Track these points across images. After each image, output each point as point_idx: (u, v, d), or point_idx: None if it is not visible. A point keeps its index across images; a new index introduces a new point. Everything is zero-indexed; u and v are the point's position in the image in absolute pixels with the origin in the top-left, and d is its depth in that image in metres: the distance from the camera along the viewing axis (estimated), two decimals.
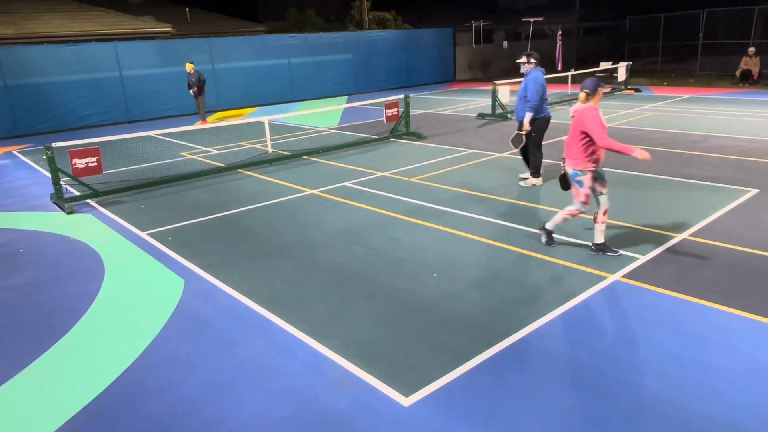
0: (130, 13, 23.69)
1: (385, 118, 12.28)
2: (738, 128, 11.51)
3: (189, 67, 15.24)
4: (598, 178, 5.31)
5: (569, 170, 5.34)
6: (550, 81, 25.91)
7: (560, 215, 5.53)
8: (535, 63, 7.74)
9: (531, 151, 7.89)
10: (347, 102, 20.16)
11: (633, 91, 18.64)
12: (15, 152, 13.29)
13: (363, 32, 24.79)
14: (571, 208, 5.44)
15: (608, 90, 18.96)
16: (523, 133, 7.72)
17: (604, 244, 5.48)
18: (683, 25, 23.59)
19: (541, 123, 7.80)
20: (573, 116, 5.29)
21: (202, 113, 16.08)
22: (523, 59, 7.83)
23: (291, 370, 3.84)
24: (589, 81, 5.19)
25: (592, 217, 5.57)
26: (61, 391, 3.76)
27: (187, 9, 30.26)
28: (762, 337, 3.92)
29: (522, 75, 7.87)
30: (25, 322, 4.78)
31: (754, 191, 7.21)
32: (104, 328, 4.60)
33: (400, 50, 24.73)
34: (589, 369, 3.67)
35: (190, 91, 15.57)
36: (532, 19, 26.28)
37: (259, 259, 5.84)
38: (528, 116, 7.65)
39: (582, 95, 5.21)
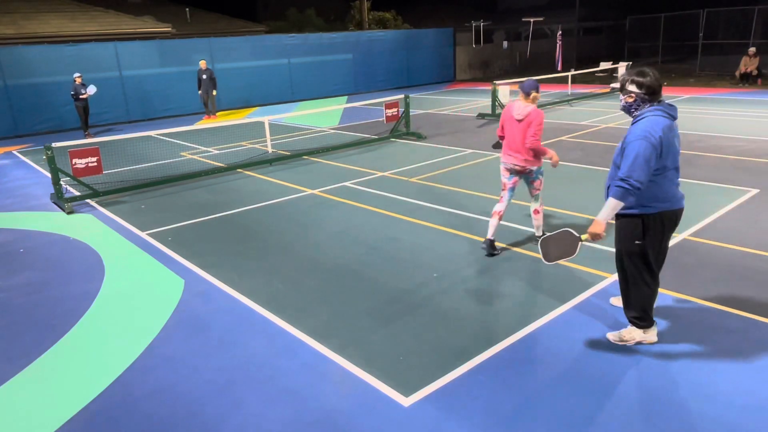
0: (130, 13, 23.70)
1: (385, 118, 12.29)
2: (738, 128, 11.51)
3: (203, 63, 16.88)
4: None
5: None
6: (549, 81, 25.16)
7: (495, 220, 5.61)
8: (637, 96, 3.50)
9: (625, 277, 3.82)
10: (347, 102, 20.16)
11: None
12: (15, 152, 13.29)
13: (363, 32, 24.79)
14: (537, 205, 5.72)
15: (609, 90, 18.97)
16: (580, 239, 3.76)
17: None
18: (683, 25, 23.60)
19: (651, 223, 3.59)
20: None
21: (214, 107, 17.47)
22: (627, 86, 3.56)
23: (291, 370, 3.84)
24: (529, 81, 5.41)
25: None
26: (61, 391, 3.76)
27: (187, 9, 30.28)
28: (762, 337, 3.92)
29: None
30: (25, 322, 4.78)
31: (754, 191, 7.21)
32: (104, 328, 4.61)
33: (400, 50, 24.73)
34: (589, 369, 3.67)
35: (200, 91, 16.96)
36: (532, 19, 26.34)
37: (259, 259, 5.84)
38: (608, 208, 3.53)
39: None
